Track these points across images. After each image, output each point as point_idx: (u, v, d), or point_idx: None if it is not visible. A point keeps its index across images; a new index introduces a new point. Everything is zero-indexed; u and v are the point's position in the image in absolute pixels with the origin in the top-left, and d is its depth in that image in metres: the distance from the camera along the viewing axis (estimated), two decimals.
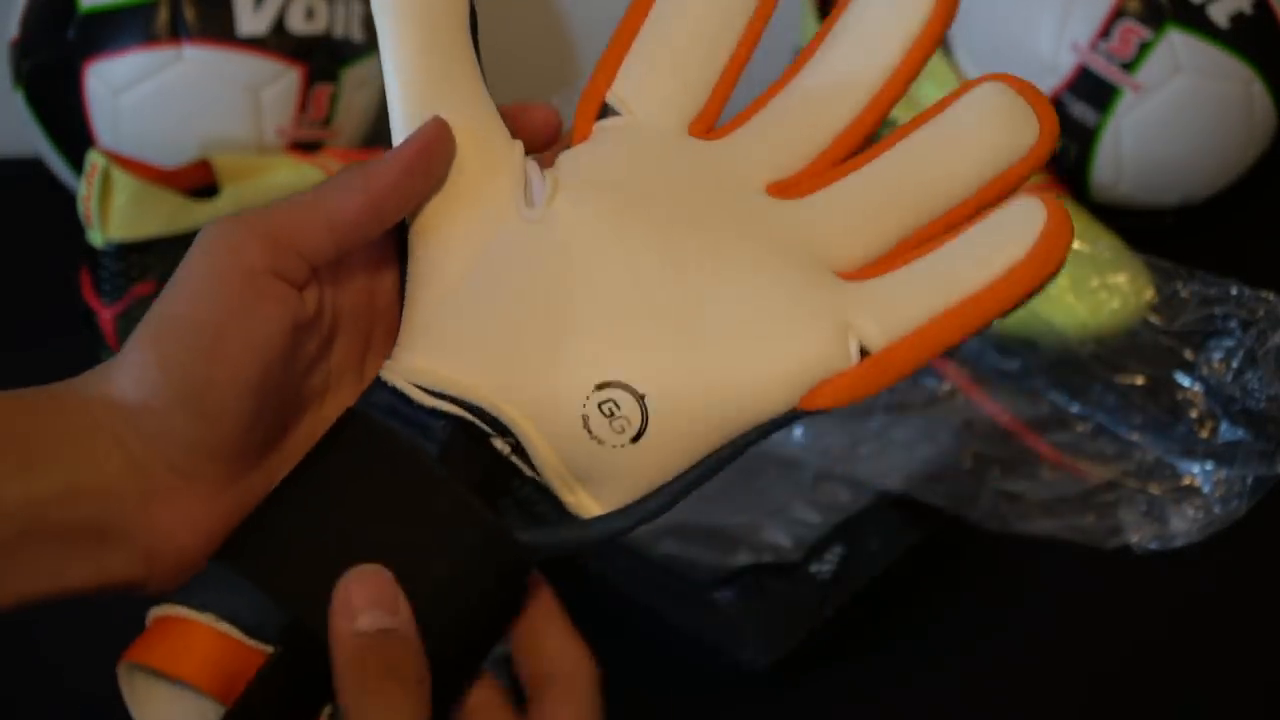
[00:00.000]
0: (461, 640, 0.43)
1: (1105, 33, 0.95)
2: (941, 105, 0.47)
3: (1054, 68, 0.97)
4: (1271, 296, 0.85)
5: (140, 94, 0.94)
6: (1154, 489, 0.83)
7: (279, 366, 0.43)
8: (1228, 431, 0.84)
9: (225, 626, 0.40)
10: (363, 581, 0.41)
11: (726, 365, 0.43)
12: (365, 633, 0.40)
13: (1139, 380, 0.86)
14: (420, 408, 0.43)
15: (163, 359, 0.42)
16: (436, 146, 0.45)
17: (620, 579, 0.77)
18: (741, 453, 0.44)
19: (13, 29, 0.99)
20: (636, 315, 0.44)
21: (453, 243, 0.45)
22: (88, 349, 0.86)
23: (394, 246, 0.46)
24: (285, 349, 0.43)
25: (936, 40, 0.48)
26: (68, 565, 0.41)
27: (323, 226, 0.43)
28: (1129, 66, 0.95)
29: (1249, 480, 0.82)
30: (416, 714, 0.40)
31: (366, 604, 0.41)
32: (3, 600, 0.41)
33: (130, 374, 0.42)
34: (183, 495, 0.42)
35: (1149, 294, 0.87)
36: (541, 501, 0.44)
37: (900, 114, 1.00)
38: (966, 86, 0.47)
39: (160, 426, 0.42)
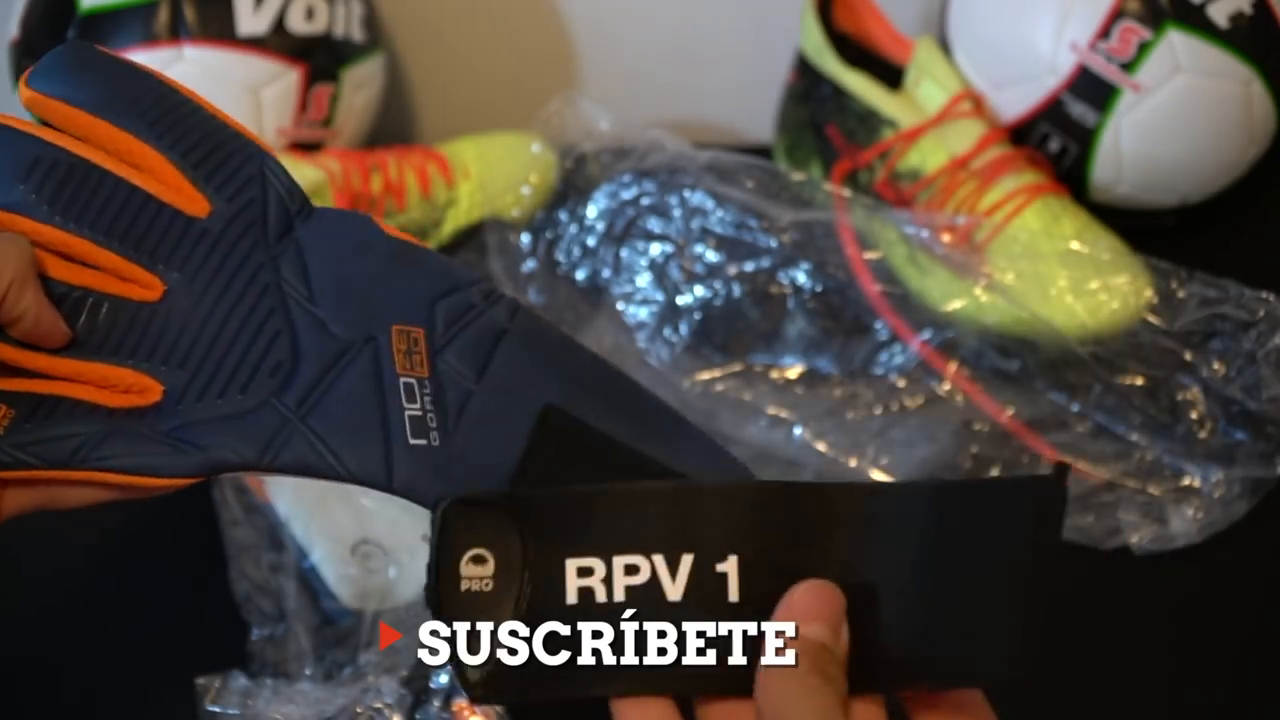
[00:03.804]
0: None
1: (1105, 33, 0.95)
2: None
3: (1053, 68, 0.97)
4: (1271, 297, 0.85)
5: None
6: (1154, 489, 0.83)
7: None
8: (1227, 432, 0.84)
9: None
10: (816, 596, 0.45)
11: None
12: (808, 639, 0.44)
13: (1139, 381, 0.86)
14: None
15: None
16: None
17: None
18: None
19: (13, 29, 0.98)
20: None
21: None
22: None
23: None
24: None
25: None
26: None
27: None
28: (1128, 66, 0.95)
29: (1249, 481, 0.82)
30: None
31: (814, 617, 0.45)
32: None
33: None
34: None
35: (1148, 295, 0.87)
36: None
37: (901, 115, 1.00)
38: None
39: None
